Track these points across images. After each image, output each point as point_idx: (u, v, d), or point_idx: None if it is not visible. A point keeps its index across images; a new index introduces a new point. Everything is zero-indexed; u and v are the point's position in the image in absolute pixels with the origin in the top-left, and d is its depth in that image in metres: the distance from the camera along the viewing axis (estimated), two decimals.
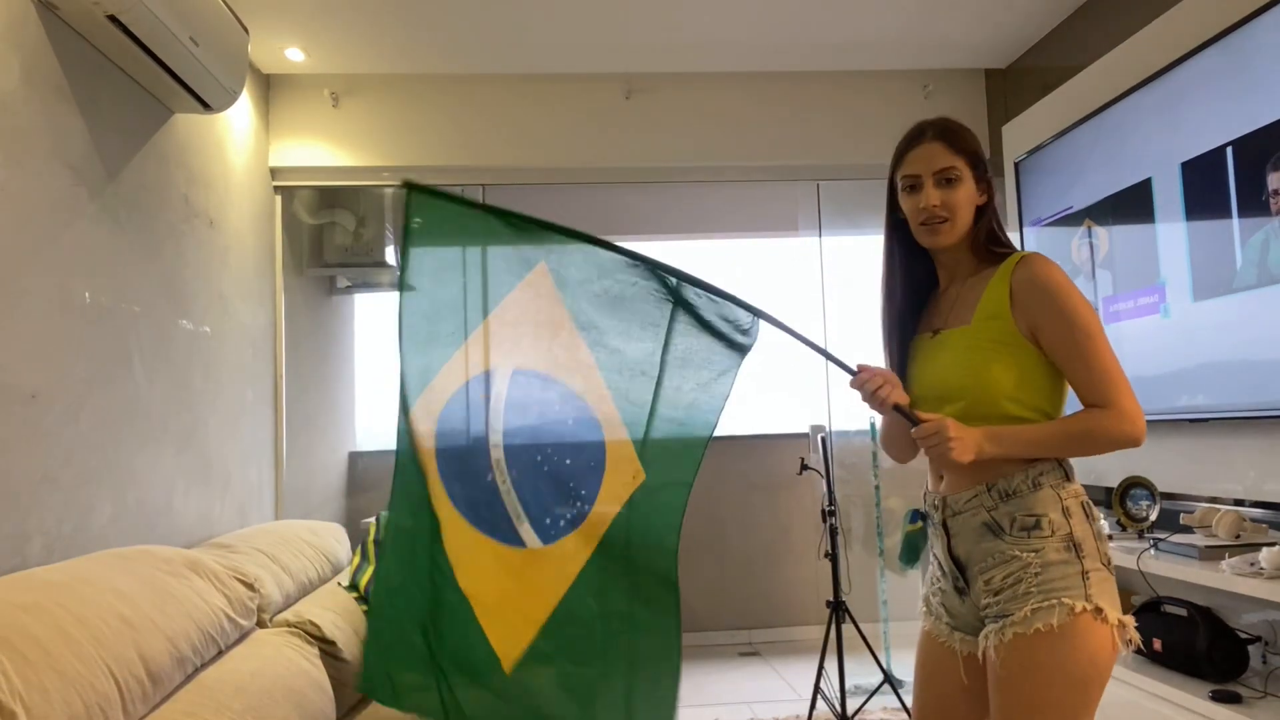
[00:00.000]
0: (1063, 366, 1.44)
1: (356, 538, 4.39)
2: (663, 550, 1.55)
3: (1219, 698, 2.12)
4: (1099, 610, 1.35)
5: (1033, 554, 1.39)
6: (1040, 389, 1.46)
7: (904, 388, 1.51)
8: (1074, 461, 1.50)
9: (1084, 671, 1.33)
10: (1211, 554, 2.29)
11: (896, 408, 1.46)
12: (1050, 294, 1.42)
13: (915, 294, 1.62)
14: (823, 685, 3.17)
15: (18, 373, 2.15)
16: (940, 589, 1.56)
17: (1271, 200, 2.43)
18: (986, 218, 1.54)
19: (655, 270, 1.57)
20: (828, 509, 3.26)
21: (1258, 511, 2.60)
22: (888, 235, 1.63)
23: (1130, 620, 1.39)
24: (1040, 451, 1.42)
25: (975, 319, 1.48)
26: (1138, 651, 2.45)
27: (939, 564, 1.54)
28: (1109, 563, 1.41)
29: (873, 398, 1.46)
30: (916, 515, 3.59)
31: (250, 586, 2.32)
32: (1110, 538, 2.70)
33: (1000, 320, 1.46)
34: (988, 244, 1.54)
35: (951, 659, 1.52)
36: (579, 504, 1.60)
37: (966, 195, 1.51)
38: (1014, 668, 1.36)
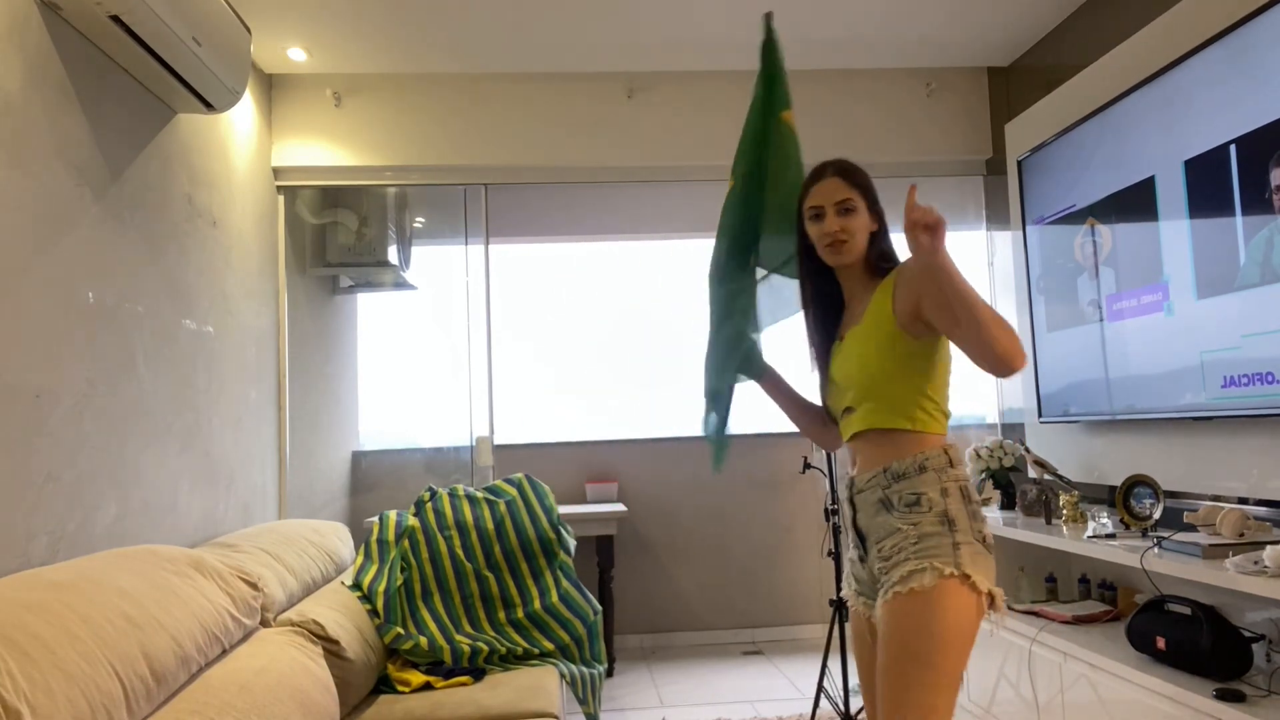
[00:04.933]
0: (948, 321, 1.55)
1: (360, 537, 4.39)
2: None
3: (1223, 696, 2.11)
4: (966, 577, 1.52)
5: (911, 526, 1.59)
6: (920, 371, 1.66)
7: (824, 385, 1.81)
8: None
9: (949, 630, 1.50)
10: (1215, 552, 2.28)
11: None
12: (923, 268, 1.57)
13: (828, 306, 1.84)
14: (826, 684, 3.17)
15: (22, 372, 2.16)
16: (851, 559, 1.78)
17: (1275, 197, 2.42)
18: (878, 242, 1.77)
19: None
20: (830, 507, 3.26)
21: (1261, 510, 2.60)
22: (799, 258, 1.85)
23: (999, 592, 1.56)
24: (963, 294, 1.46)
25: (865, 319, 1.71)
26: (1141, 650, 2.45)
27: (851, 535, 1.76)
28: (984, 540, 1.59)
29: None
30: None
31: (254, 586, 2.32)
32: (1113, 536, 2.70)
33: (882, 316, 1.67)
34: (878, 262, 1.76)
35: (865, 623, 1.74)
36: None
37: (862, 223, 1.73)
38: (889, 622, 1.54)
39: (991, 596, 1.55)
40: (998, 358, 1.45)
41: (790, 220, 1.94)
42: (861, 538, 1.71)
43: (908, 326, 1.64)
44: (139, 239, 2.78)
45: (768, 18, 2.25)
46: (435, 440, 4.77)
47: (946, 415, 1.69)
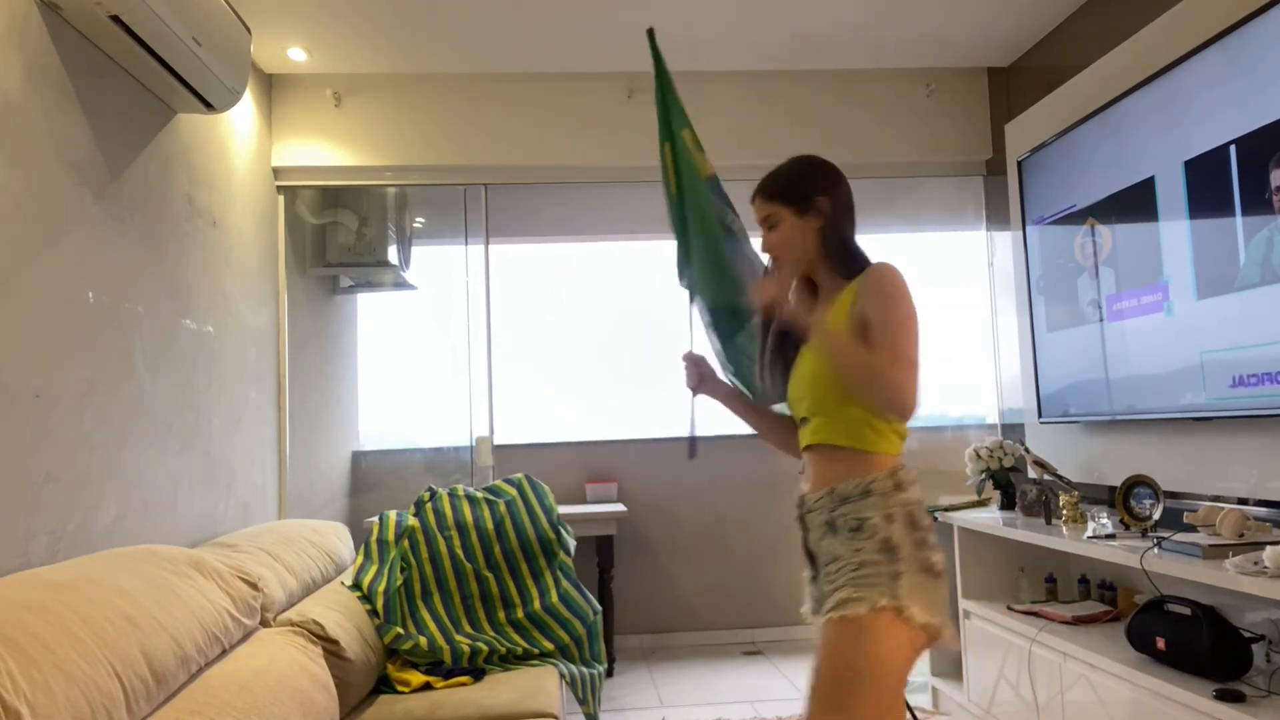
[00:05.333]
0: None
1: (359, 537, 4.39)
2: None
3: (1222, 697, 2.11)
4: (900, 610, 1.46)
5: (854, 553, 1.55)
6: None
7: (781, 390, 1.82)
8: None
9: (873, 663, 1.45)
10: (1215, 553, 2.28)
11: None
12: (877, 283, 1.59)
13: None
14: None
15: (22, 372, 2.16)
16: (806, 577, 1.76)
17: (1275, 198, 2.42)
18: (827, 236, 1.73)
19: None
20: None
21: (1261, 510, 2.60)
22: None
23: (939, 624, 1.49)
24: (833, 352, 1.53)
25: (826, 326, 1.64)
26: (1141, 651, 2.45)
27: (803, 554, 1.76)
28: (929, 569, 1.52)
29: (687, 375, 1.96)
30: None
31: (254, 586, 2.32)
32: (1113, 536, 2.70)
33: (839, 323, 1.64)
34: (841, 259, 1.72)
35: None
36: None
37: (789, 230, 1.73)
38: (822, 645, 1.51)
39: (931, 629, 1.48)
40: (883, 399, 1.48)
41: (711, 250, 2.16)
42: (812, 558, 1.70)
43: (865, 341, 1.58)
44: (139, 239, 2.78)
45: (650, 34, 2.37)
46: (435, 440, 4.77)
47: (901, 435, 1.63)
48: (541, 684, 2.66)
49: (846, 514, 1.59)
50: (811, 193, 1.73)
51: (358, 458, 4.89)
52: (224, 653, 2.06)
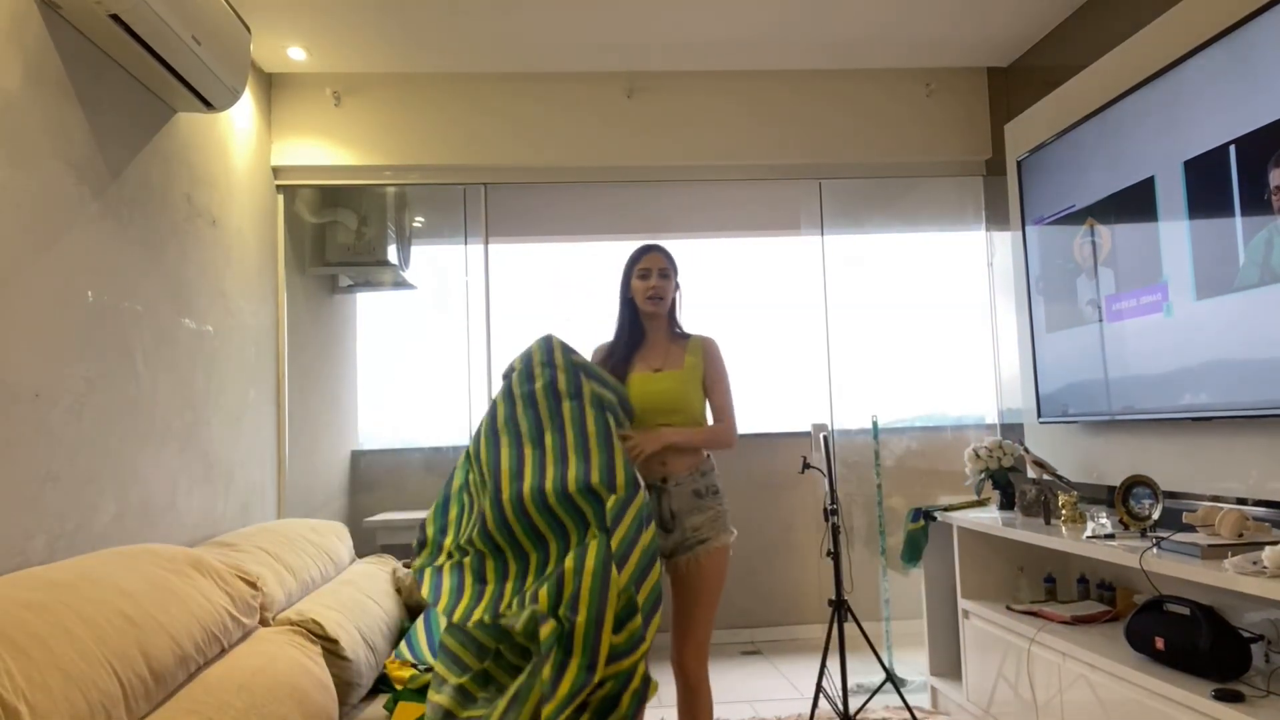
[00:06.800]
0: (709, 396, 2.67)
1: (359, 536, 4.39)
2: None
3: (1221, 697, 2.11)
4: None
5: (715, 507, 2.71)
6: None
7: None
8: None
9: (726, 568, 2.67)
10: (1214, 553, 2.28)
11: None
12: (718, 360, 2.67)
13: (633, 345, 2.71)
14: (825, 684, 3.17)
15: (21, 371, 2.16)
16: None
17: (1274, 198, 2.43)
18: (677, 299, 2.70)
19: None
20: (830, 508, 3.25)
21: (1260, 510, 2.60)
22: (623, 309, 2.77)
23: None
24: (694, 442, 2.64)
25: (685, 366, 2.61)
26: (1140, 651, 2.45)
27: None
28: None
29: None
30: (918, 514, 3.59)
31: (253, 585, 2.32)
32: (1112, 536, 2.70)
33: (690, 373, 2.61)
34: (674, 316, 2.71)
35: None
36: None
37: (671, 284, 2.67)
38: (710, 566, 2.75)
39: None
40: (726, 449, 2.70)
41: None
42: (672, 515, 2.60)
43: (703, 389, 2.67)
44: (138, 238, 2.78)
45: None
46: (434, 439, 4.76)
47: None
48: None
49: (706, 485, 2.64)
50: (677, 272, 2.70)
51: (357, 457, 4.88)
52: (223, 652, 2.06)
